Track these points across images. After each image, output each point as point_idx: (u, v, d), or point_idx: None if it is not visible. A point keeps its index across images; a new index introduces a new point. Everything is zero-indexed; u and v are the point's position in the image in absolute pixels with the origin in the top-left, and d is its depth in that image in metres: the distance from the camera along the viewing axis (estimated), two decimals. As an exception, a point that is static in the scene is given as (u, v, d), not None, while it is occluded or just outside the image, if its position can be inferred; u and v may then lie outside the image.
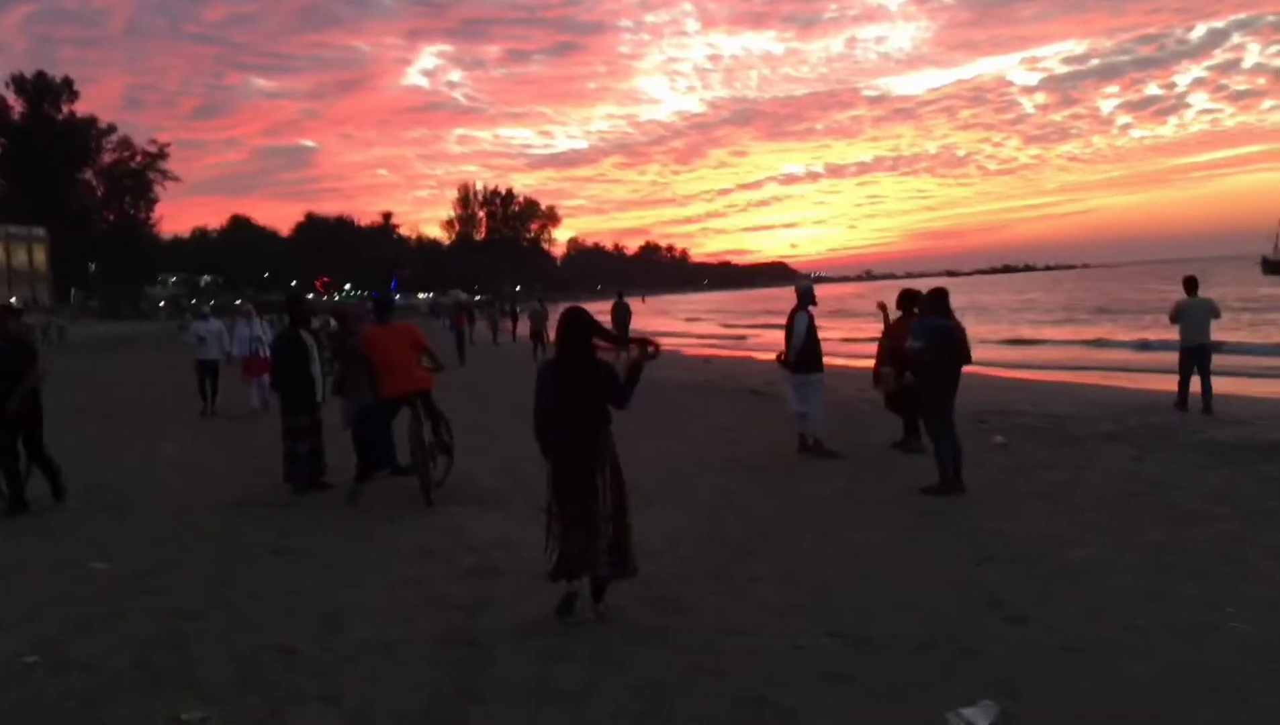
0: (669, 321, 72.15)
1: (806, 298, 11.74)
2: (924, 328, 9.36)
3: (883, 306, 12.50)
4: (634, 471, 10.80)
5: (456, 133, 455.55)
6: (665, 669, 5.14)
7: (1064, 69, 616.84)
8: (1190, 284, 14.87)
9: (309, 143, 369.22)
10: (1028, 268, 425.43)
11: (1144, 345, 29.26)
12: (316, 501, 9.73)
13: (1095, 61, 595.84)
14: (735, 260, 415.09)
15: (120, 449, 13.64)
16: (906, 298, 11.91)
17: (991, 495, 9.08)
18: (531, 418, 6.04)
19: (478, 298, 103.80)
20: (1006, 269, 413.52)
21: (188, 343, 18.11)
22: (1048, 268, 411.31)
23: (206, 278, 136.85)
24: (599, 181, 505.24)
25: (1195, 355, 14.32)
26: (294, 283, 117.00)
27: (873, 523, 8.17)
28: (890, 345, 11.50)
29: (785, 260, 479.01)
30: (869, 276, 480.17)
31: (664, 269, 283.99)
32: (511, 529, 8.16)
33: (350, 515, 9.05)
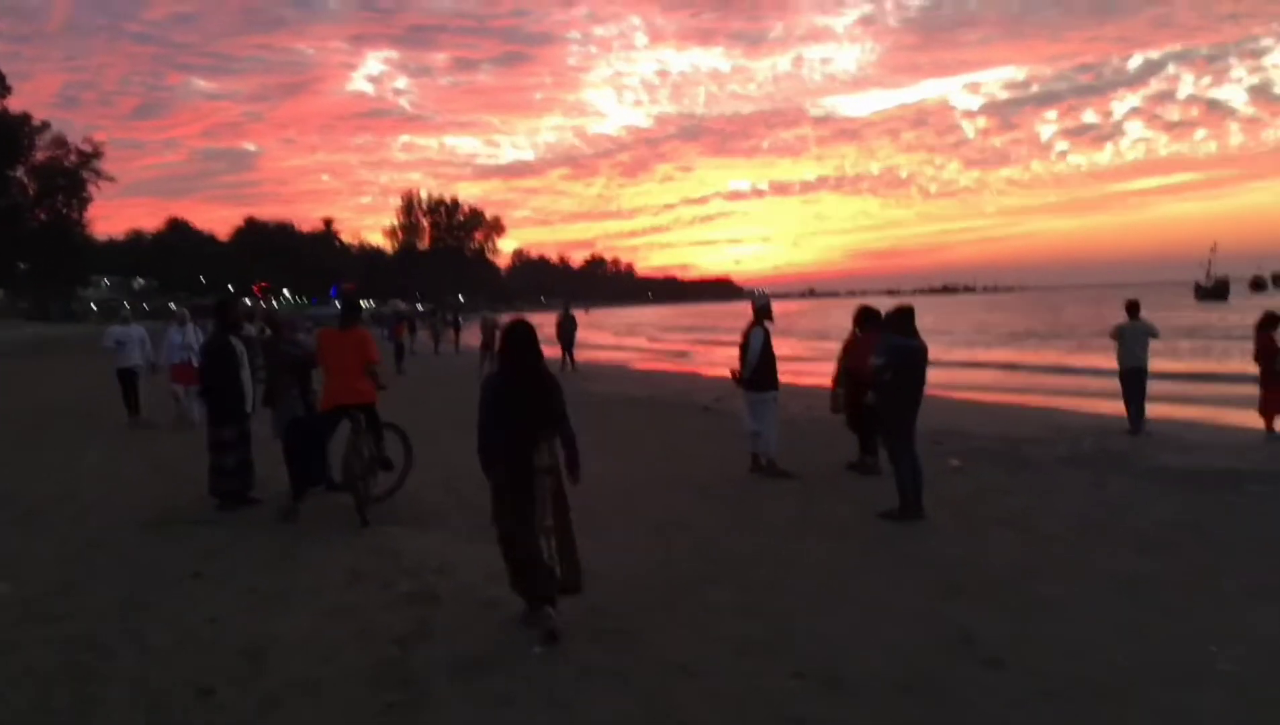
0: (604, 336, 71.66)
1: (763, 313, 11.39)
2: (888, 346, 9.05)
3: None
4: (580, 491, 10.42)
5: (402, 140, 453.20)
6: (616, 714, 4.71)
7: (1005, 94, 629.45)
8: (1132, 308, 15.16)
9: (250, 146, 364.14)
10: (967, 289, 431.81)
11: (1094, 371, 29.45)
12: (243, 518, 9.16)
13: (1035, 88, 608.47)
14: (680, 275, 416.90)
15: (37, 458, 12.90)
16: (865, 315, 11.62)
17: (952, 521, 8.76)
18: (475, 431, 5.82)
19: (420, 307, 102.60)
20: (946, 289, 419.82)
21: (105, 348, 16.98)
22: (986, 289, 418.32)
23: (140, 280, 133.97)
24: (545, 193, 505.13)
25: (1132, 377, 14.70)
26: (230, 287, 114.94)
27: (831, 549, 7.81)
28: (849, 364, 11.19)
29: (730, 276, 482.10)
30: (812, 294, 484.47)
31: (609, 282, 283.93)
32: (450, 550, 7.70)
33: (279, 534, 8.50)
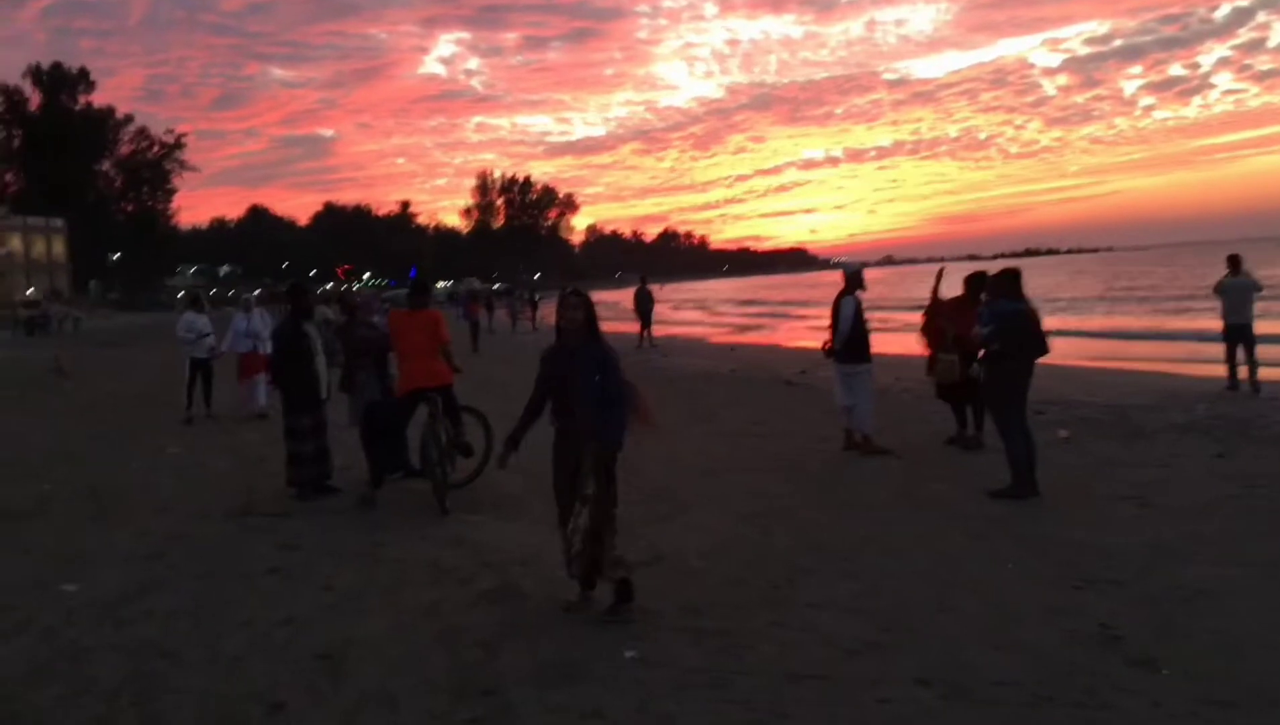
0: (683, 311, 70.98)
1: (855, 282, 10.79)
2: (994, 312, 8.43)
3: (940, 273, 11.41)
4: (665, 472, 10.02)
5: (474, 121, 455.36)
6: (723, 729, 4.25)
7: (1086, 50, 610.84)
8: (1234, 262, 14.82)
9: (327, 132, 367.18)
10: (1050, 251, 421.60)
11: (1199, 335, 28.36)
12: (322, 508, 8.87)
13: (1118, 42, 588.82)
14: (754, 246, 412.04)
15: (119, 449, 12.81)
16: (975, 281, 10.95)
17: (1070, 499, 8.13)
18: (550, 413, 5.82)
19: (496, 286, 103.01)
20: (1029, 253, 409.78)
21: (182, 339, 15.56)
22: (1070, 251, 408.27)
23: (225, 268, 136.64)
24: (617, 168, 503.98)
25: (1238, 334, 14.38)
26: (312, 272, 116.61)
27: (941, 533, 7.24)
28: (953, 330, 10.54)
29: (804, 246, 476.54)
30: (890, 261, 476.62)
31: (682, 256, 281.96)
32: (533, 541, 7.29)
33: (358, 525, 8.19)
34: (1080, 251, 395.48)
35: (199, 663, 5.21)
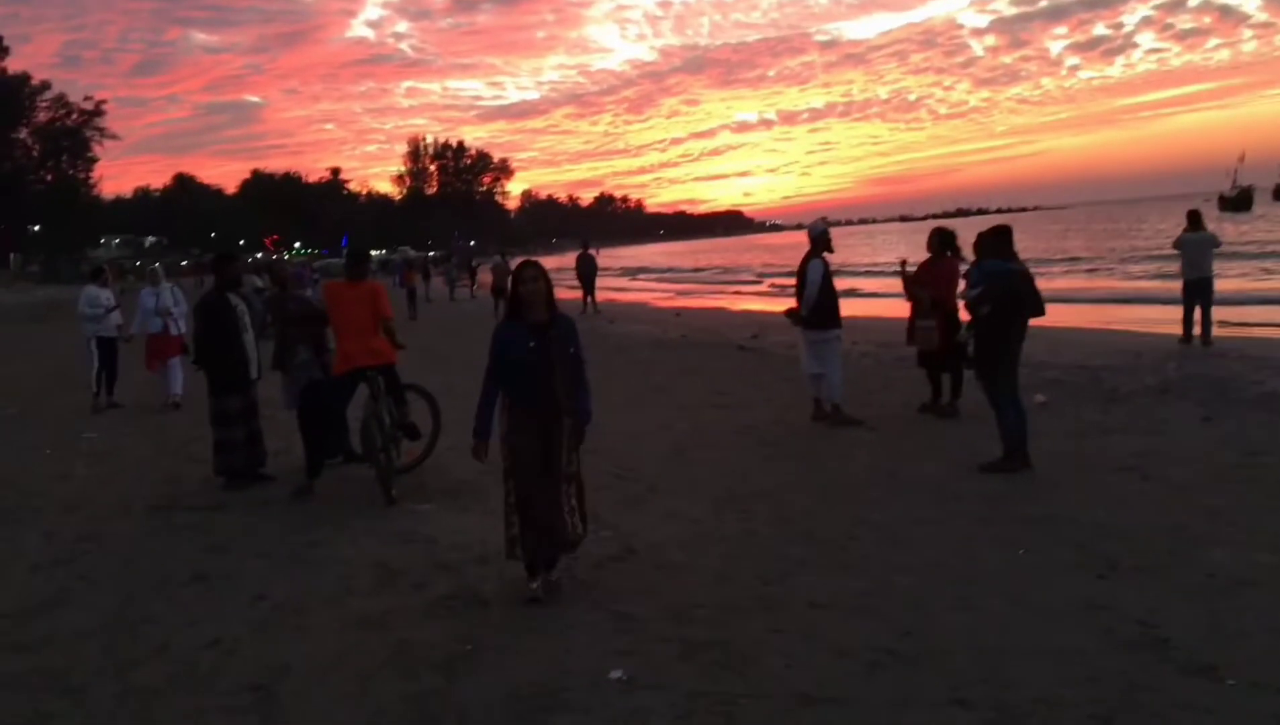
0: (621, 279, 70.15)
1: (821, 243, 10.16)
2: (983, 272, 7.85)
3: (903, 262, 10.85)
4: (628, 449, 9.33)
5: (404, 85, 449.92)
6: (737, 770, 3.60)
7: (1013, 10, 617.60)
8: (1194, 218, 15.00)
9: (253, 98, 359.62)
10: (981, 211, 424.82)
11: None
12: (254, 499, 8.08)
13: (1044, 2, 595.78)
14: (689, 210, 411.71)
15: (33, 437, 11.81)
16: (939, 238, 10.39)
17: (1065, 472, 7.61)
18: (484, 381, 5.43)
19: (432, 254, 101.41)
20: (960, 213, 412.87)
21: (85, 316, 13.81)
22: (999, 211, 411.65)
23: (151, 239, 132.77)
24: (551, 133, 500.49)
25: (1197, 288, 14.48)
26: (241, 242, 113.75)
27: (938, 515, 6.66)
28: (928, 296, 9.97)
29: (740, 208, 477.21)
30: (824, 223, 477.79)
31: (619, 220, 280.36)
32: (491, 534, 6.52)
33: (295, 519, 7.41)
34: (1009, 211, 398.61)
35: (106, 702, 4.44)
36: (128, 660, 4.87)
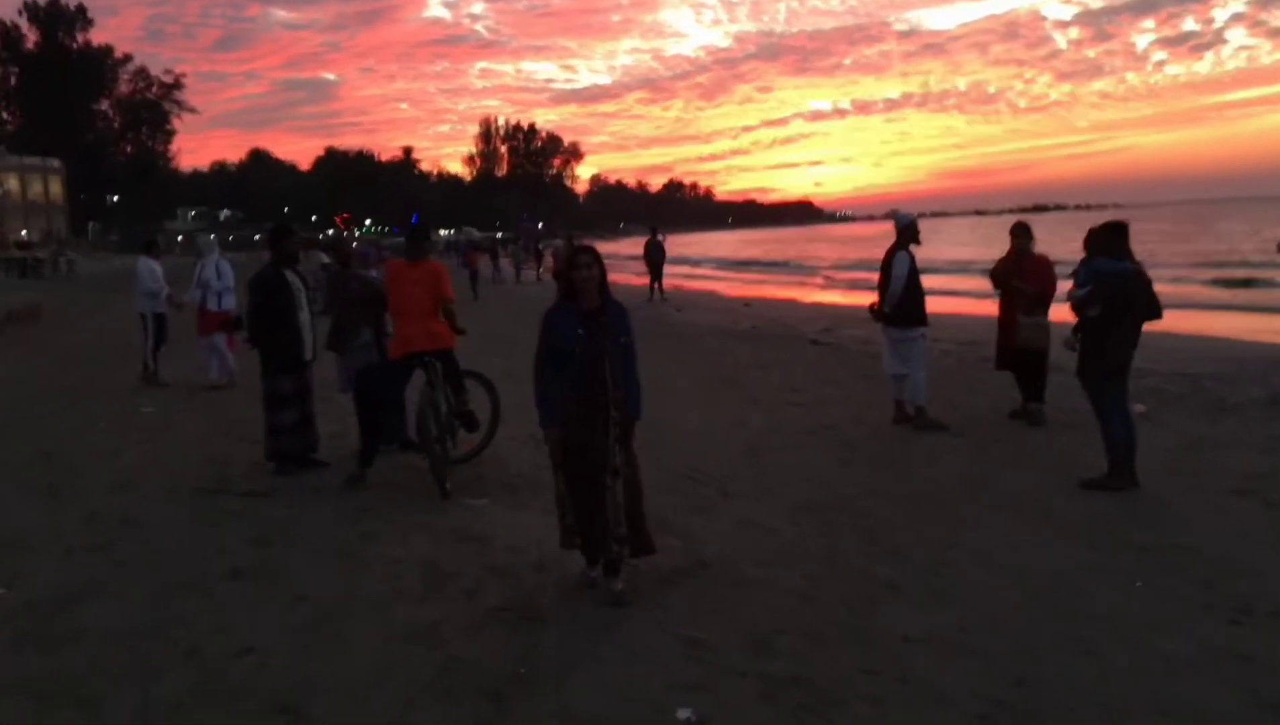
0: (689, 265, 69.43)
1: (909, 235, 9.52)
2: (1093, 271, 7.20)
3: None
4: (699, 448, 8.82)
5: (478, 66, 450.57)
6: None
7: (1099, 3, 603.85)
8: None
9: (330, 76, 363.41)
10: (1059, 207, 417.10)
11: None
12: (304, 486, 7.69)
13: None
14: (759, 199, 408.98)
15: (89, 410, 11.58)
16: (1025, 230, 9.70)
17: (1176, 493, 6.95)
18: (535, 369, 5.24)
19: (500, 235, 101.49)
20: (1038, 208, 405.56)
21: (149, 292, 13.29)
22: (1078, 207, 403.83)
23: (225, 212, 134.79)
24: (622, 117, 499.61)
25: None
26: (314, 218, 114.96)
27: (1039, 537, 6.06)
28: (1032, 290, 9.29)
29: (810, 199, 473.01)
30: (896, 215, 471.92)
31: (688, 207, 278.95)
32: (549, 535, 6.09)
33: (345, 511, 7.00)
34: (1088, 208, 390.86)
35: (121, 716, 4.03)
36: (152, 667, 4.47)
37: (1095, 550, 5.77)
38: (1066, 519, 6.39)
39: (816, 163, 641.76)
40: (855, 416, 9.98)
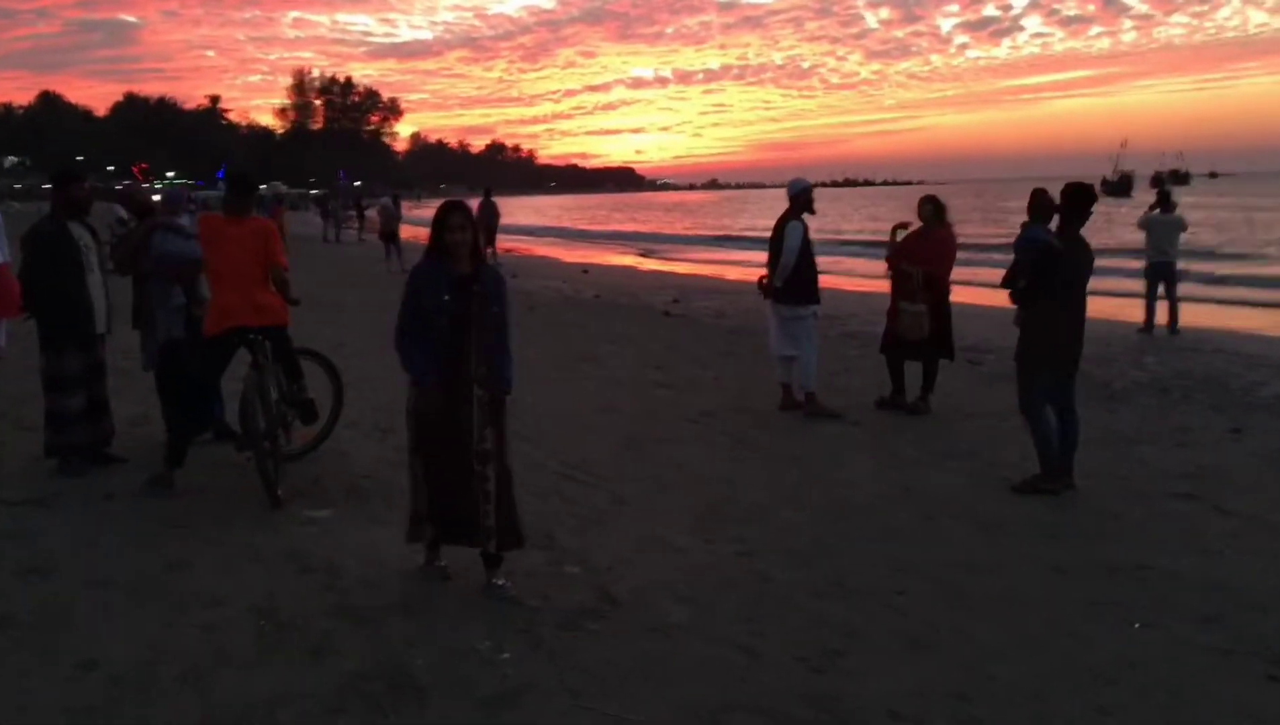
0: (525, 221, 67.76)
1: (803, 202, 8.62)
2: (1026, 240, 6.48)
3: (896, 228, 9.17)
4: (573, 437, 7.68)
5: (291, 15, 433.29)
6: None
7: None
8: (1163, 197, 13.95)
9: (129, 18, 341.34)
10: (867, 182, 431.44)
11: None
12: (95, 492, 6.19)
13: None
14: (581, 164, 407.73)
15: None
16: (933, 205, 8.89)
17: (1118, 498, 6.28)
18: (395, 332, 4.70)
19: (314, 192, 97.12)
20: (848, 182, 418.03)
21: None
22: (885, 183, 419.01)
23: (12, 159, 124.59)
24: (443, 76, 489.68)
25: (1161, 272, 13.59)
26: (111, 168, 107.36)
27: (992, 556, 5.24)
28: (920, 272, 8.51)
29: (632, 165, 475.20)
30: (715, 185, 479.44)
31: (510, 169, 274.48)
32: (410, 556, 4.94)
33: (147, 527, 5.59)
34: (895, 183, 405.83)
35: None
36: None
37: (1061, 573, 4.97)
38: (1011, 529, 5.62)
39: (638, 130, 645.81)
40: (735, 402, 9.07)
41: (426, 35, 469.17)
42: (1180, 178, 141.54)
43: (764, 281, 8.72)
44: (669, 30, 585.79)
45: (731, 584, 4.83)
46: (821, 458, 7.23)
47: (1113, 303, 14.54)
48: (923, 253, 8.67)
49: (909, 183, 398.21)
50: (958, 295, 9.19)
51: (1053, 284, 6.31)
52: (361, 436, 7.53)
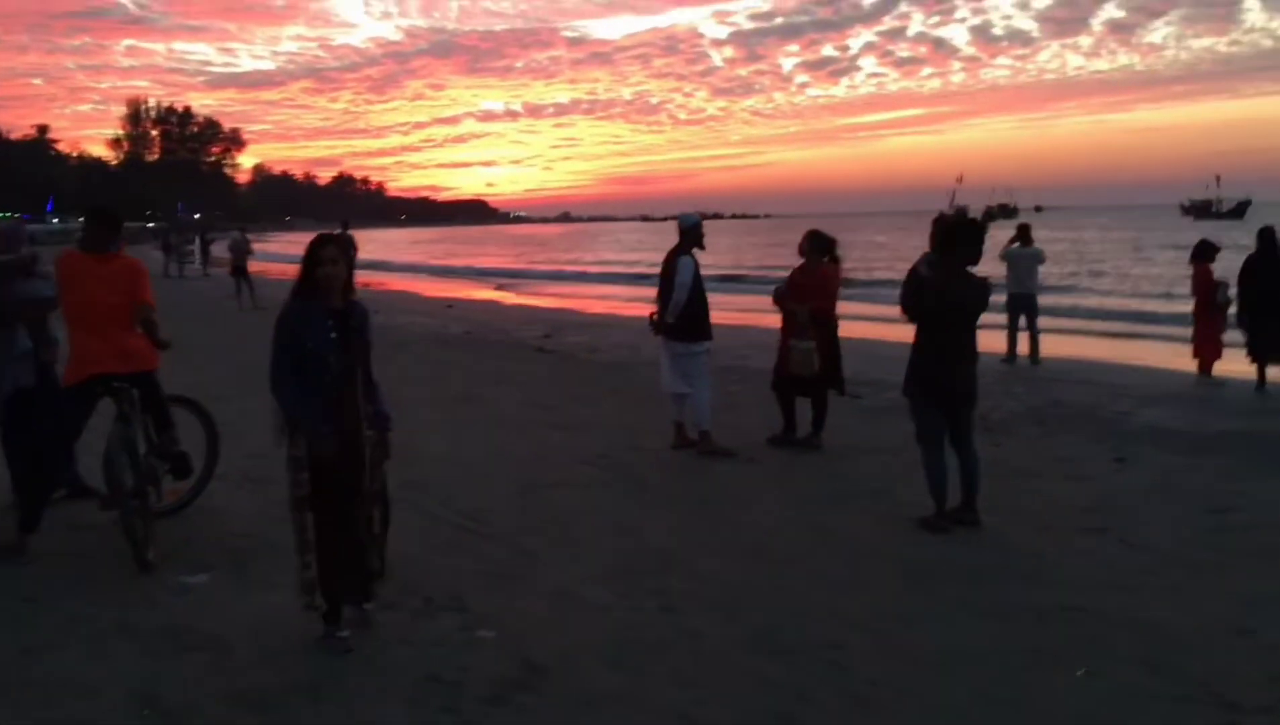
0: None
1: (693, 237, 8.47)
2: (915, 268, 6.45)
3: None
4: (464, 484, 7.29)
5: (125, 44, 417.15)
6: None
7: (750, 25, 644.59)
8: (1023, 231, 14.22)
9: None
10: (717, 215, 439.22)
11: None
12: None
13: (779, 20, 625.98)
14: (433, 196, 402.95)
15: None
16: (815, 240, 8.85)
17: (1024, 534, 6.24)
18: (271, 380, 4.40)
19: (151, 225, 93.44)
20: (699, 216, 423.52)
21: None
22: (735, 216, 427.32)
23: None
24: (287, 106, 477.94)
25: (1022, 303, 13.81)
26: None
27: (921, 602, 5.07)
28: (805, 309, 8.43)
29: (483, 197, 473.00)
30: (567, 218, 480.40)
31: (360, 202, 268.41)
32: (304, 627, 4.48)
33: (-2, 601, 4.99)
34: (745, 217, 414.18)
35: None
36: None
37: (995, 619, 4.84)
38: (937, 575, 5.47)
39: (489, 163, 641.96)
40: (627, 442, 8.81)
41: (269, 65, 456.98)
42: (1009, 212, 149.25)
43: (654, 318, 8.51)
44: (518, 65, 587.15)
45: (661, 644, 4.53)
46: (726, 499, 7.02)
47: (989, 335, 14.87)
48: (807, 288, 8.62)
49: (757, 216, 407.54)
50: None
51: (918, 312, 6.29)
52: (232, 489, 6.98)
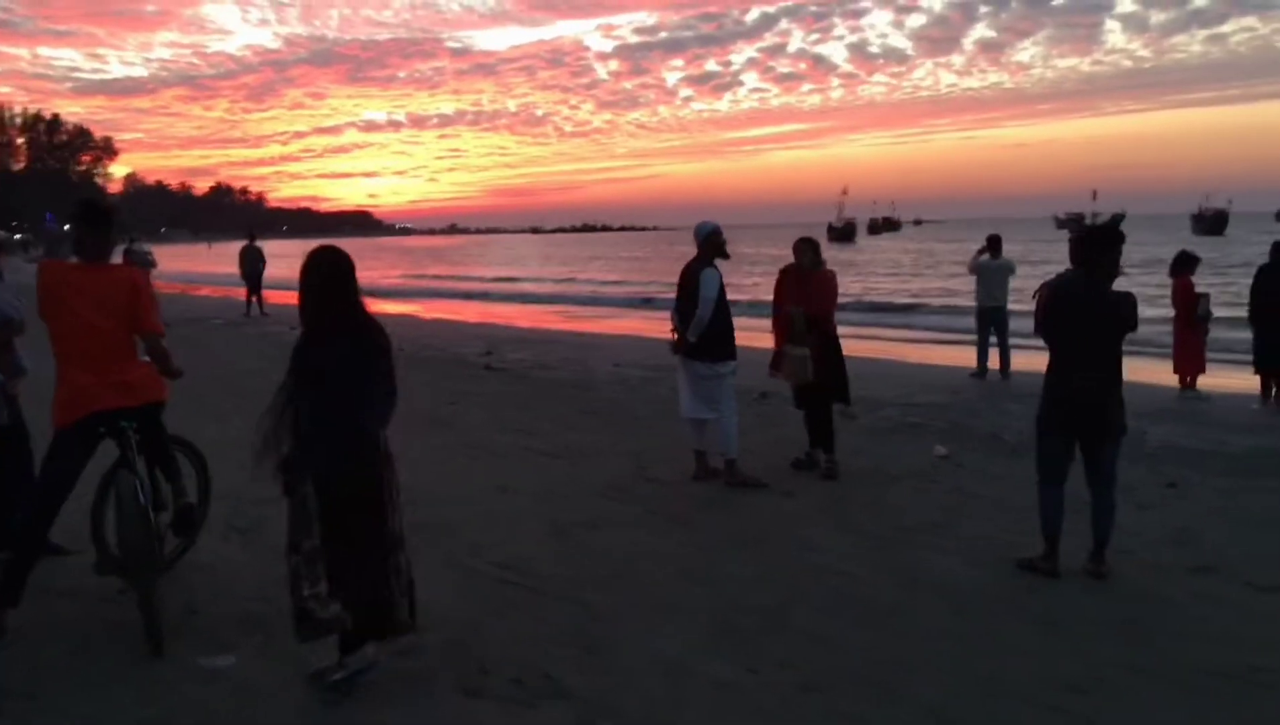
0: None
1: (714, 246, 7.75)
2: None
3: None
4: (482, 524, 6.46)
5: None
6: None
7: (636, 39, 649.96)
8: (994, 243, 13.71)
9: None
10: (605, 228, 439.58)
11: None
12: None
13: (663, 34, 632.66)
14: (314, 207, 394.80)
15: None
16: (812, 246, 8.28)
17: (1134, 573, 5.67)
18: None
19: (17, 236, 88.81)
20: (586, 228, 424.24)
21: None
22: (622, 228, 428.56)
23: None
24: (160, 115, 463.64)
25: (992, 317, 13.50)
26: None
27: (1081, 665, 4.44)
28: (803, 313, 7.87)
29: (367, 209, 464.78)
30: (455, 230, 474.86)
31: (239, 213, 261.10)
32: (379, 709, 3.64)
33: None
34: (632, 229, 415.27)
35: None
36: None
37: (1178, 685, 4.22)
38: (1079, 630, 4.84)
39: (371, 174, 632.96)
40: (634, 471, 8.06)
41: (141, 72, 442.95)
42: (892, 225, 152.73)
43: (675, 336, 7.78)
44: (401, 75, 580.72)
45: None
46: (783, 539, 6.30)
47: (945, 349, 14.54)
48: (804, 293, 8.04)
49: (644, 228, 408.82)
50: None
51: (1048, 328, 5.72)
52: (218, 542, 6.00)
